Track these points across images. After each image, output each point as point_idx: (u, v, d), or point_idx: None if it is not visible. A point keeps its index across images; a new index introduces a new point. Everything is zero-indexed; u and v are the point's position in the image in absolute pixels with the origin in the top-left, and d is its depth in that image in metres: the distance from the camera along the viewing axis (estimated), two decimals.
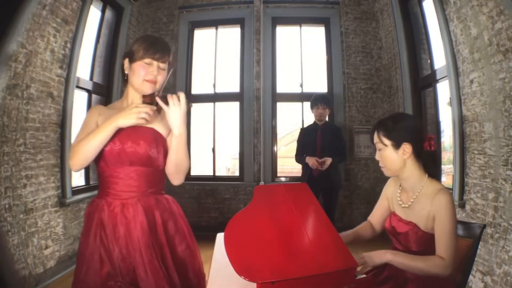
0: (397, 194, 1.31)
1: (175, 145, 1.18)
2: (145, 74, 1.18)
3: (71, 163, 1.13)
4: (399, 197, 1.30)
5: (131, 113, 1.10)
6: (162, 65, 1.20)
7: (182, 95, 1.15)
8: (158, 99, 1.15)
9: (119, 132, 1.15)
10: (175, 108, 1.14)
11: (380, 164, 1.27)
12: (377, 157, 1.27)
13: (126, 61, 1.22)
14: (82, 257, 1.15)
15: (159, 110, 1.18)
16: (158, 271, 1.11)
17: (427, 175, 1.23)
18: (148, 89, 1.19)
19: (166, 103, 1.14)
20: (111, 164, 1.17)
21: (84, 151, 1.10)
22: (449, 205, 1.13)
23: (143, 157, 1.17)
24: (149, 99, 1.17)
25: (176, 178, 1.24)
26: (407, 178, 1.24)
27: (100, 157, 1.17)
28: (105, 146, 1.14)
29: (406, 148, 1.19)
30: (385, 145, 1.22)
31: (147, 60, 1.18)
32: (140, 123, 1.13)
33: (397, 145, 1.20)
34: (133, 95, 1.24)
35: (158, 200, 1.22)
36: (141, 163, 1.17)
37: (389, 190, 1.38)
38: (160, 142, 1.21)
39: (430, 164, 1.24)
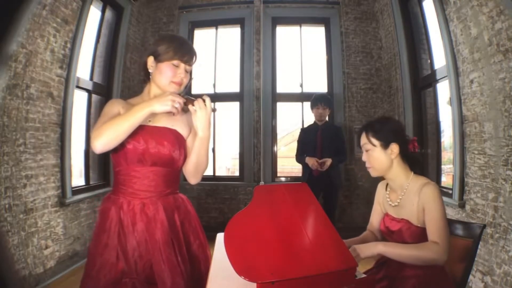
0: (386, 195, 1.34)
1: (197, 146, 1.21)
2: (172, 75, 1.19)
3: (96, 143, 1.08)
4: (388, 197, 1.33)
5: (166, 100, 1.11)
6: (188, 67, 1.22)
7: (207, 99, 1.18)
8: (188, 102, 1.17)
9: (143, 131, 1.17)
10: (201, 111, 1.16)
11: (367, 165, 1.31)
12: (364, 158, 1.31)
13: (151, 59, 1.21)
14: (96, 253, 1.15)
15: (185, 110, 1.20)
16: (176, 268, 1.13)
17: (412, 173, 1.27)
18: (174, 90, 1.20)
19: (192, 105, 1.17)
20: (131, 162, 1.17)
21: (113, 131, 1.08)
22: (436, 195, 1.16)
23: (166, 158, 1.18)
24: None
25: (194, 177, 1.27)
26: (394, 178, 1.28)
27: (121, 155, 1.17)
28: (128, 144, 1.15)
29: (394, 148, 1.24)
30: (374, 145, 1.26)
31: (175, 62, 1.19)
32: (173, 112, 1.13)
33: (385, 145, 1.25)
34: (156, 93, 1.24)
35: (175, 199, 1.24)
36: (163, 164, 1.19)
37: (379, 195, 1.41)
38: (182, 144, 1.23)
39: (415, 164, 1.29)
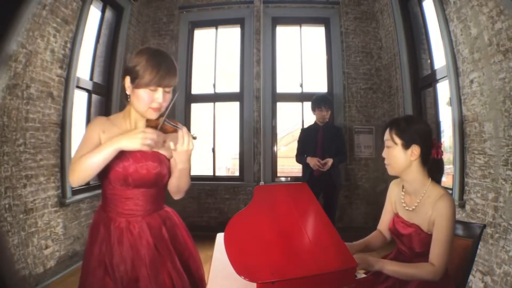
0: (401, 196, 1.32)
1: (177, 174, 1.19)
2: (149, 101, 1.11)
3: (70, 180, 1.10)
4: (403, 200, 1.31)
5: (136, 138, 1.05)
6: (168, 89, 1.13)
7: (190, 138, 1.11)
8: (167, 127, 1.12)
9: (124, 154, 1.13)
10: (182, 147, 1.10)
11: (386, 162, 1.28)
12: (384, 154, 1.28)
13: (128, 81, 1.12)
14: (87, 267, 1.17)
15: (165, 131, 1.14)
16: (164, 284, 1.13)
17: (430, 180, 1.24)
18: (153, 116, 1.13)
19: (173, 131, 1.11)
20: (115, 185, 1.17)
21: (84, 169, 1.07)
22: (449, 212, 1.14)
23: (148, 180, 1.17)
24: (154, 124, 1.12)
25: (177, 195, 1.27)
26: (410, 180, 1.25)
27: (104, 177, 1.16)
28: (110, 168, 1.13)
29: (415, 150, 1.21)
30: (396, 143, 1.24)
31: (152, 87, 1.10)
32: (144, 150, 1.08)
33: (407, 145, 1.22)
34: (136, 116, 1.20)
35: (161, 215, 1.24)
36: (146, 185, 1.18)
37: (392, 193, 1.39)
38: (164, 164, 1.20)
39: (435, 171, 1.25)
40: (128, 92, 1.14)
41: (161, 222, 1.22)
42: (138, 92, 1.11)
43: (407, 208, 1.27)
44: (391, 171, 1.28)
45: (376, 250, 1.39)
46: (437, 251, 1.12)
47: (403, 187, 1.32)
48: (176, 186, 1.23)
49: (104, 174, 1.14)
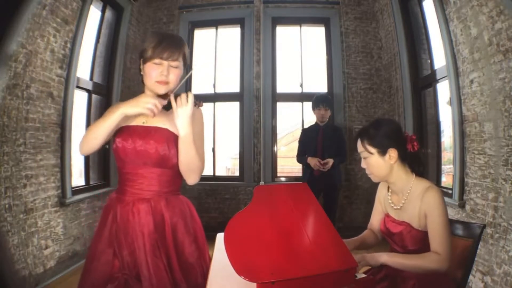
0: (388, 196, 1.33)
1: (183, 146, 1.16)
2: (155, 75, 1.15)
3: (80, 147, 1.18)
4: (390, 200, 1.32)
5: (139, 102, 1.11)
6: (173, 63, 1.16)
7: (190, 95, 1.14)
8: (171, 98, 1.15)
9: (134, 132, 1.18)
10: (182, 108, 1.12)
11: (367, 172, 1.29)
12: (363, 165, 1.28)
13: (141, 62, 1.20)
14: (95, 248, 1.18)
15: (167, 108, 1.18)
16: (161, 271, 1.12)
17: (414, 175, 1.25)
18: (160, 90, 1.16)
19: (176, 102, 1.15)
20: (126, 162, 1.19)
21: (91, 136, 1.14)
22: (438, 201, 1.15)
23: (155, 157, 1.17)
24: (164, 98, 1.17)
25: (189, 177, 1.22)
26: (395, 181, 1.26)
27: (116, 156, 1.20)
28: (119, 143, 1.17)
29: (392, 153, 1.21)
30: (371, 153, 1.23)
31: (156, 60, 1.14)
32: (146, 114, 1.12)
33: (383, 152, 1.22)
34: (149, 95, 1.22)
35: (169, 201, 1.21)
36: (154, 163, 1.18)
37: (381, 194, 1.40)
38: (172, 142, 1.19)
39: (415, 164, 1.26)
40: (142, 73, 1.21)
41: (168, 208, 1.19)
42: (145, 67, 1.17)
43: (395, 207, 1.28)
44: (375, 179, 1.28)
45: (371, 248, 1.39)
46: (437, 239, 1.12)
47: (388, 187, 1.33)
48: (184, 162, 1.18)
49: (115, 153, 1.19)
